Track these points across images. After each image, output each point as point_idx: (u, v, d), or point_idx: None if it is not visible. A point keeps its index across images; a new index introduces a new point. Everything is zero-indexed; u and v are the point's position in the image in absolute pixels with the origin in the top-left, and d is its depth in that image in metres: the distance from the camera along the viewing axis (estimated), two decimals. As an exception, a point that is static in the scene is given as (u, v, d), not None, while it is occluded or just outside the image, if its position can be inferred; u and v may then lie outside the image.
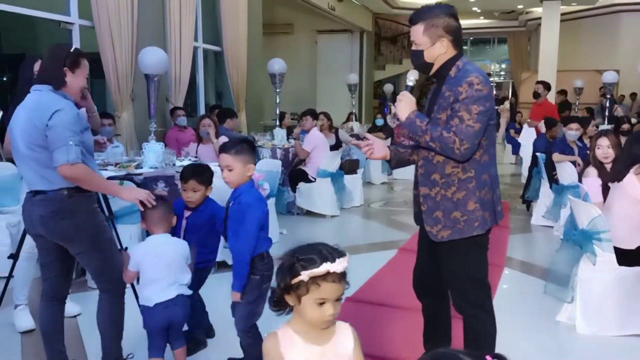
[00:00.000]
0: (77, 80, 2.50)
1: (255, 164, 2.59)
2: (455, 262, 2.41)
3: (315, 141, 6.39)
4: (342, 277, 1.48)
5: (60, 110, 2.35)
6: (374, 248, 5.27)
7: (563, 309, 3.48)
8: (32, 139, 2.38)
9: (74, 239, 2.48)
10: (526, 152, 8.45)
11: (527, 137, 8.80)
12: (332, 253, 1.47)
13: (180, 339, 2.64)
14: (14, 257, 3.11)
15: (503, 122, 12.48)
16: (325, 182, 6.44)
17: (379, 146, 2.49)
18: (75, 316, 3.48)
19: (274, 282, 1.55)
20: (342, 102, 12.72)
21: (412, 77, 2.45)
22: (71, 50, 2.53)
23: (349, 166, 7.04)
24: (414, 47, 2.38)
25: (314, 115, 6.81)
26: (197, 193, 2.93)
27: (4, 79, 10.84)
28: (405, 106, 2.35)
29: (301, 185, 6.42)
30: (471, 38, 21.93)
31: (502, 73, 22.87)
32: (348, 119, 10.87)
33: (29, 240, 3.13)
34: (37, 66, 3.18)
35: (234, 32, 8.22)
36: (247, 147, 2.55)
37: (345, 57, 14.87)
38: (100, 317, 2.64)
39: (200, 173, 2.96)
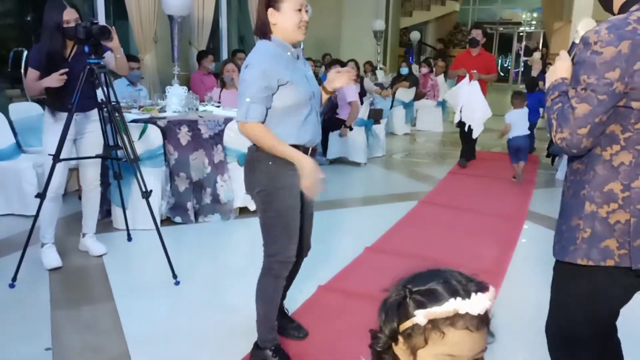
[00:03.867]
0: (285, 17, 2.14)
1: None
2: (556, 289, 1.80)
3: (354, 90, 6.38)
4: (481, 322, 0.94)
5: (248, 65, 2.14)
6: (395, 199, 5.26)
7: (584, 266, 3.46)
8: None
9: (251, 195, 2.32)
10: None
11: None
12: (465, 285, 0.96)
13: (523, 158, 5.86)
14: (41, 196, 3.16)
15: (535, 74, 12.12)
16: (360, 131, 6.47)
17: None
18: (101, 256, 3.57)
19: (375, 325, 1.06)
20: (367, 49, 12.45)
21: (582, 32, 1.64)
22: None
23: (373, 116, 6.97)
24: None
25: (342, 65, 6.68)
26: None
27: (28, 18, 10.79)
28: (558, 69, 1.70)
29: (334, 134, 6.43)
30: (503, -16, 21.11)
31: (534, 22, 22.06)
32: (365, 70, 10.52)
33: (55, 180, 3.19)
34: (66, 15, 3.12)
35: (258, -26, 8.00)
36: None
37: (371, 2, 14.43)
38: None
39: None
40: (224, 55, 8.10)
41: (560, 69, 1.69)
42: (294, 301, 2.97)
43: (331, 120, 6.50)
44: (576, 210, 1.61)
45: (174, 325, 2.78)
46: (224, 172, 4.31)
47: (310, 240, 2.57)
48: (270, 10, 2.15)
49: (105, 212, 4.19)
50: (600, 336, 1.75)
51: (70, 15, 3.13)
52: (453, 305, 0.92)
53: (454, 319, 0.93)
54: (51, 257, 3.39)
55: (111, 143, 3.38)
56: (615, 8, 1.66)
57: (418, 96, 9.40)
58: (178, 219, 4.24)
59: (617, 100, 1.50)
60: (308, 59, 8.44)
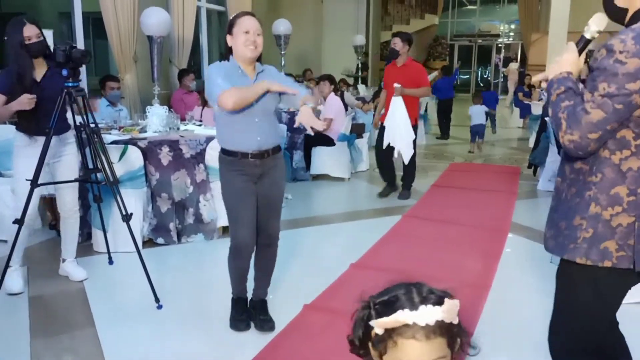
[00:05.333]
0: (235, 39, 2.65)
1: None
2: (558, 287, 1.79)
3: (336, 107, 6.39)
4: (432, 332, 0.99)
5: (208, 70, 2.70)
6: (379, 214, 5.26)
7: (568, 277, 3.47)
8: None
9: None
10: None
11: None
12: (425, 297, 1.02)
13: (481, 137, 8.68)
14: (19, 222, 3.10)
15: (512, 85, 12.33)
16: (343, 145, 6.48)
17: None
18: (82, 281, 3.51)
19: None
20: (348, 64, 12.53)
21: (594, 27, 1.65)
22: (231, 17, 2.72)
23: (355, 130, 6.99)
24: None
25: (332, 80, 6.72)
26: None
27: (5, 38, 10.69)
28: (565, 62, 1.64)
29: (317, 150, 6.42)
30: (480, -2, 21.46)
31: (512, 34, 22.42)
32: (340, 87, 10.54)
33: (29, 208, 3.12)
34: (26, 31, 3.06)
35: (238, -8, 8.03)
36: None
37: (351, 17, 14.56)
38: None
39: None
40: (205, 72, 8.09)
41: (567, 61, 1.64)
42: (279, 322, 2.94)
43: (315, 136, 6.49)
44: (580, 209, 1.61)
45: (157, 350, 2.73)
46: (206, 191, 4.27)
47: (275, 231, 2.90)
48: (228, 36, 2.70)
49: (85, 235, 4.12)
50: (603, 336, 1.77)
51: (30, 31, 3.08)
52: (399, 317, 0.99)
53: (402, 329, 0.99)
54: (14, 282, 3.29)
55: (90, 166, 3.33)
56: (628, 18, 1.64)
57: (400, 109, 9.44)
58: (160, 240, 4.19)
59: (633, 111, 1.51)
60: (288, 74, 8.46)
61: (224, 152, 2.75)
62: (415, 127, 5.47)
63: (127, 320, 3.02)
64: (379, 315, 1.02)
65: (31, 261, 3.78)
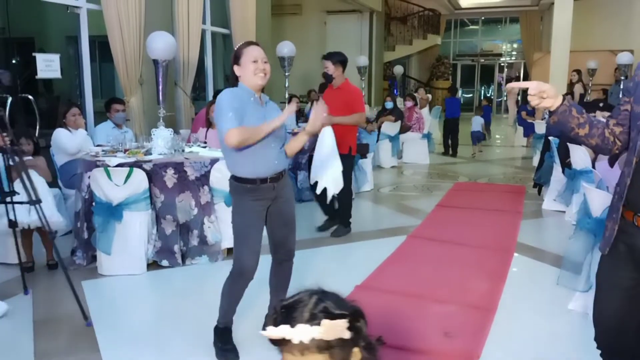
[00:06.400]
0: (244, 69, 2.69)
1: None
2: None
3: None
4: (309, 349, 1.06)
5: (219, 96, 2.67)
6: (384, 234, 5.24)
7: (575, 297, 3.45)
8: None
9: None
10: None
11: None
12: (314, 314, 1.08)
13: (477, 143, 10.93)
14: None
15: (512, 103, 12.42)
16: None
17: (551, 93, 1.81)
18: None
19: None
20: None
21: None
22: (236, 48, 2.78)
23: (359, 150, 6.99)
24: None
25: None
26: None
27: (14, 62, 10.86)
28: None
29: None
30: (482, 17, 21.60)
31: (514, 53, 22.54)
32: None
33: None
34: None
35: (242, 14, 8.13)
36: None
37: (354, 38, 14.70)
38: None
39: None
40: (210, 94, 8.16)
41: None
42: (284, 345, 2.91)
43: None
44: None
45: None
46: (210, 213, 4.28)
47: (293, 245, 2.99)
48: (235, 66, 2.73)
49: (90, 258, 4.12)
50: None
51: None
52: (279, 332, 1.05)
53: (283, 341, 1.05)
54: None
55: (6, 189, 3.33)
56: None
57: (403, 129, 9.48)
58: (165, 263, 4.17)
59: None
60: (293, 95, 8.53)
61: (239, 180, 2.76)
62: (353, 157, 4.96)
63: (131, 344, 3.01)
64: (281, 319, 1.07)
65: (35, 286, 3.78)
